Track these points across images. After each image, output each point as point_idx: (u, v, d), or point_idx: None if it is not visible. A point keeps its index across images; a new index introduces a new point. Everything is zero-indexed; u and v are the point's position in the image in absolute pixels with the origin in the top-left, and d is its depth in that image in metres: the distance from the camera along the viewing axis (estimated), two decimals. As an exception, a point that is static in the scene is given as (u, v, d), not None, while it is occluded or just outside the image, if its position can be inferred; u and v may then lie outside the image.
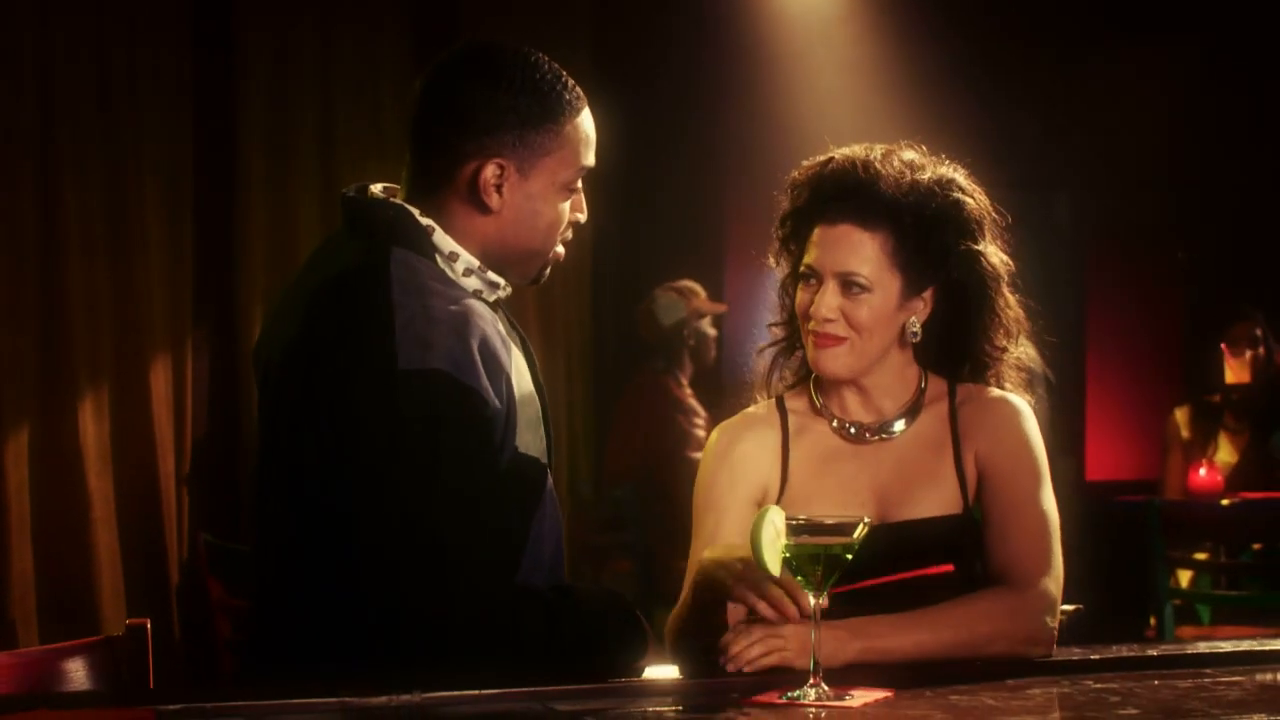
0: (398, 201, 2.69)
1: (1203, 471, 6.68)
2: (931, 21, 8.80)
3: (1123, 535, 6.68)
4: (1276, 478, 6.69)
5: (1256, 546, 6.70)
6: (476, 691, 2.38)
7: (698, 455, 6.77)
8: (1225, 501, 6.57)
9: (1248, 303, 7.33)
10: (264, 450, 2.65)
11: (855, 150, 3.09)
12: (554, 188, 2.72)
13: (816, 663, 2.41)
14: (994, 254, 3.09)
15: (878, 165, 3.03)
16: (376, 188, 2.75)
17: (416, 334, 2.47)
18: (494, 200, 2.66)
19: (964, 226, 3.06)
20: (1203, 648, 2.79)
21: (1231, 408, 7.13)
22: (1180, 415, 7.29)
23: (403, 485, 2.44)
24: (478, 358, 2.50)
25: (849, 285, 2.98)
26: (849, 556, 2.45)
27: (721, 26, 8.70)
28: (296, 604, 2.56)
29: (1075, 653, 2.77)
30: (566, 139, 2.72)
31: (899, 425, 3.09)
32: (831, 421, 3.13)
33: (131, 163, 6.94)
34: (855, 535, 2.45)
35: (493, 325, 2.56)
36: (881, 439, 3.09)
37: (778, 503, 3.08)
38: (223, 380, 7.26)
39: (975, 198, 3.09)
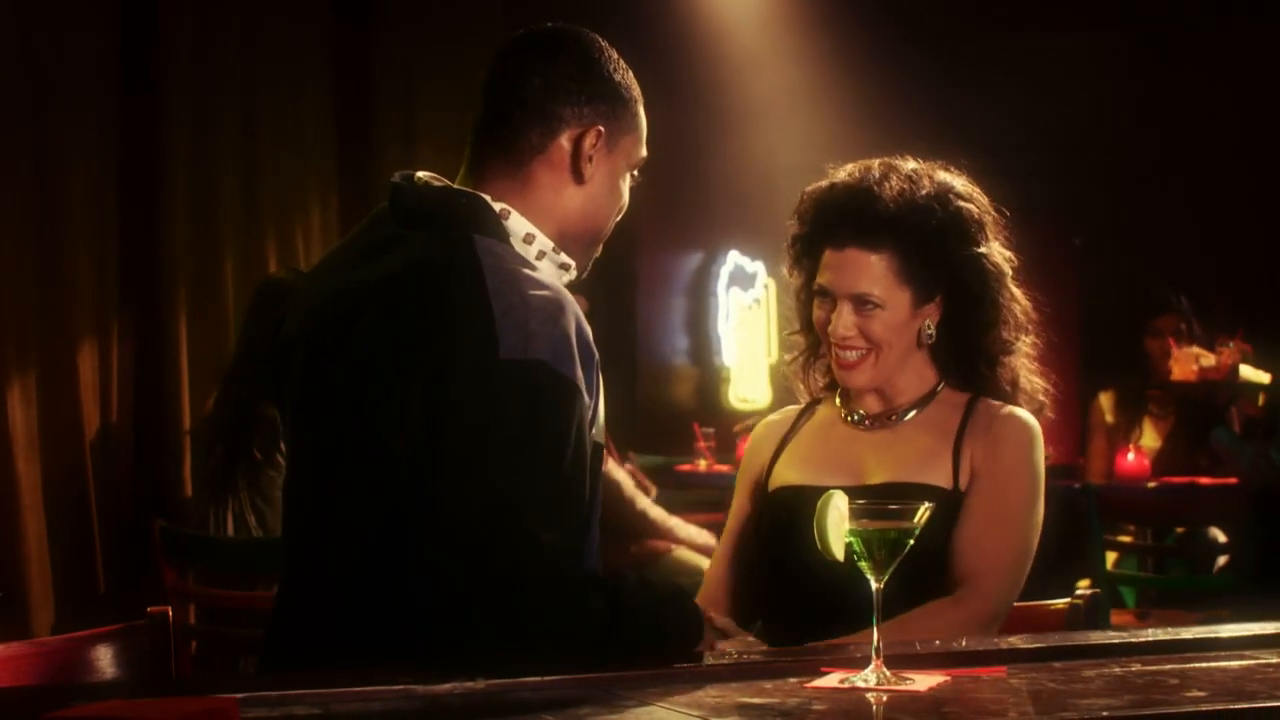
0: (464, 188, 2.66)
1: (1130, 456, 6.76)
2: (841, 6, 8.84)
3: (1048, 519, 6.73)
4: (1200, 464, 6.77)
5: (1180, 530, 6.79)
6: (540, 678, 2.36)
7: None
8: (1152, 485, 6.66)
9: (1173, 291, 7.39)
10: (315, 441, 2.59)
11: (855, 172, 3.23)
12: (627, 167, 2.75)
13: (878, 646, 2.41)
14: (995, 253, 3.21)
15: (877, 187, 3.16)
16: (423, 174, 2.71)
17: (516, 322, 2.43)
18: (588, 169, 2.66)
19: (964, 233, 3.17)
20: (1231, 630, 2.80)
21: (1161, 400, 7.18)
22: (1105, 400, 7.35)
23: (498, 475, 2.40)
24: (575, 346, 2.48)
25: (862, 304, 3.14)
26: (911, 541, 2.46)
27: (635, 9, 8.69)
28: (364, 591, 2.52)
29: (1112, 636, 2.78)
30: (640, 121, 2.76)
31: (909, 415, 3.22)
32: (842, 413, 3.27)
33: (56, 150, 6.84)
34: (917, 519, 2.45)
35: (580, 312, 2.53)
36: (885, 425, 3.22)
37: (767, 472, 3.27)
38: (149, 365, 7.15)
39: (974, 202, 3.21)
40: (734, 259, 9.97)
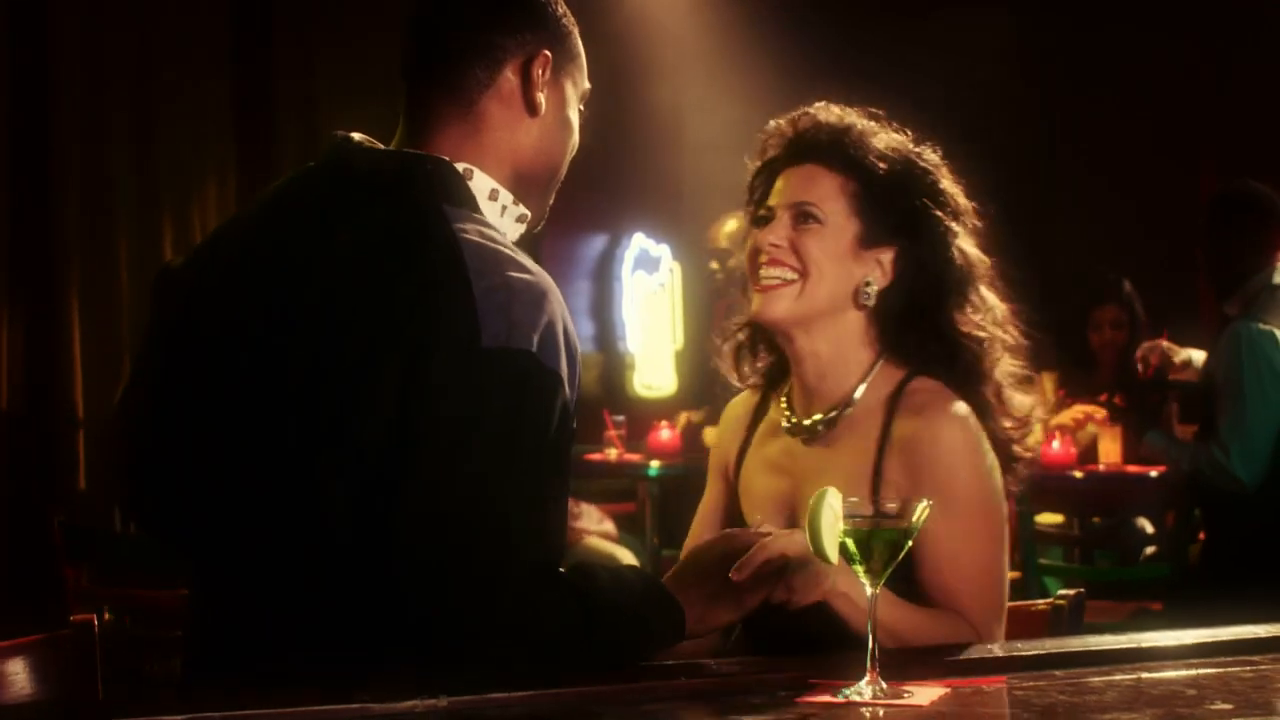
0: (424, 153, 2.46)
1: (1055, 444, 6.63)
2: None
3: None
4: (1140, 455, 6.59)
5: (1096, 519, 6.69)
6: (508, 694, 2.18)
7: None
8: (1079, 474, 6.54)
9: (1115, 277, 7.22)
10: (264, 426, 2.33)
11: (832, 106, 2.99)
12: (575, 97, 2.60)
13: (874, 657, 2.23)
14: (968, 241, 2.95)
15: (854, 119, 2.95)
16: (358, 136, 2.51)
17: (498, 307, 2.25)
18: (540, 97, 2.50)
19: (936, 198, 2.93)
20: (1232, 634, 2.64)
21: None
22: (1048, 380, 7.18)
23: (477, 472, 2.22)
24: (560, 336, 2.30)
25: (802, 217, 2.88)
26: (909, 542, 2.29)
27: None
28: (323, 593, 2.31)
29: (1108, 640, 2.62)
30: (581, 49, 2.61)
31: (847, 412, 2.92)
32: (782, 420, 3.00)
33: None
34: (915, 519, 2.29)
35: (562, 298, 2.34)
36: (816, 436, 2.93)
37: (736, 471, 3.05)
38: (40, 350, 6.90)
39: (955, 187, 2.97)
40: (639, 242, 9.82)
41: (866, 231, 2.89)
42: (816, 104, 3.01)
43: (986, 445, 2.84)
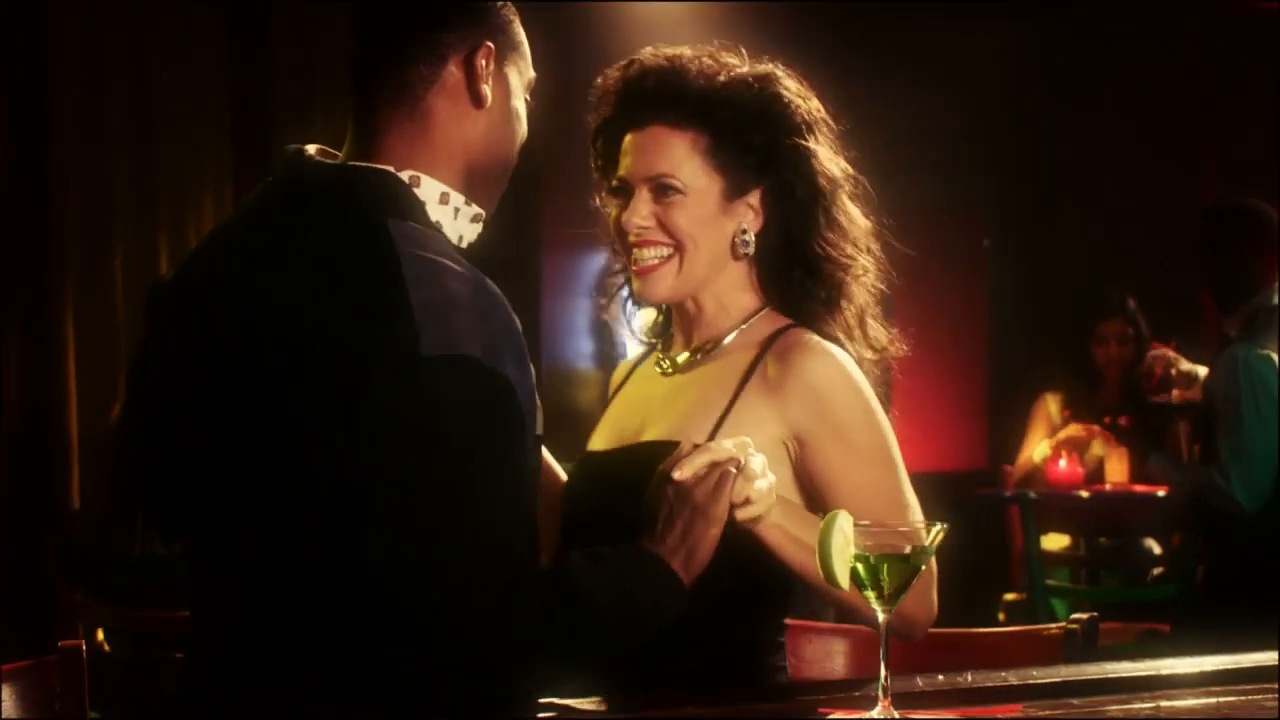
0: (371, 165, 2.43)
1: (1062, 463, 6.57)
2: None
3: (969, 529, 6.54)
4: (1146, 473, 6.53)
5: (1103, 540, 6.62)
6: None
7: None
8: (1085, 494, 6.48)
9: (1119, 292, 7.14)
10: (222, 444, 2.31)
11: (661, 48, 2.87)
12: (521, 87, 2.55)
13: (885, 685, 2.17)
14: (828, 157, 2.81)
15: (685, 61, 2.82)
16: (312, 149, 2.50)
17: (437, 317, 2.20)
18: (485, 89, 2.46)
19: (790, 122, 2.80)
20: (1254, 660, 2.58)
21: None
22: (1053, 402, 7.12)
23: (431, 477, 2.18)
24: (505, 342, 2.25)
25: (662, 190, 2.75)
26: (922, 566, 2.23)
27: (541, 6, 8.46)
28: (295, 621, 2.27)
29: (1124, 668, 2.55)
30: (524, 38, 2.56)
31: (714, 350, 2.81)
32: (657, 359, 2.90)
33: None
34: (930, 541, 2.22)
35: (508, 304, 2.31)
36: (677, 369, 2.84)
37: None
38: (34, 367, 6.84)
39: (804, 100, 2.84)
40: (640, 259, 9.76)
41: (730, 185, 2.78)
42: (644, 49, 2.88)
43: (861, 376, 2.74)
